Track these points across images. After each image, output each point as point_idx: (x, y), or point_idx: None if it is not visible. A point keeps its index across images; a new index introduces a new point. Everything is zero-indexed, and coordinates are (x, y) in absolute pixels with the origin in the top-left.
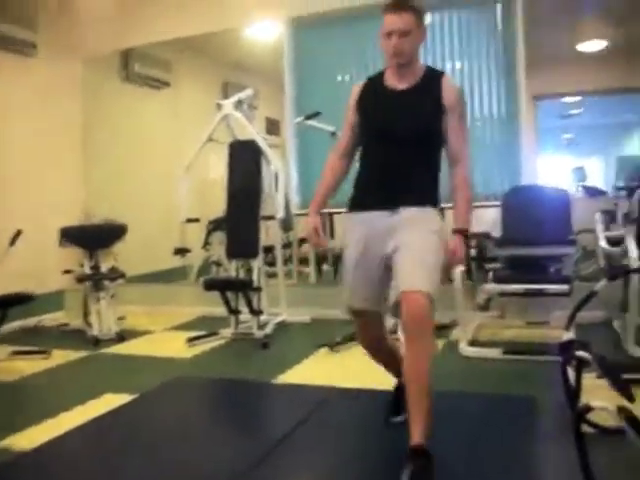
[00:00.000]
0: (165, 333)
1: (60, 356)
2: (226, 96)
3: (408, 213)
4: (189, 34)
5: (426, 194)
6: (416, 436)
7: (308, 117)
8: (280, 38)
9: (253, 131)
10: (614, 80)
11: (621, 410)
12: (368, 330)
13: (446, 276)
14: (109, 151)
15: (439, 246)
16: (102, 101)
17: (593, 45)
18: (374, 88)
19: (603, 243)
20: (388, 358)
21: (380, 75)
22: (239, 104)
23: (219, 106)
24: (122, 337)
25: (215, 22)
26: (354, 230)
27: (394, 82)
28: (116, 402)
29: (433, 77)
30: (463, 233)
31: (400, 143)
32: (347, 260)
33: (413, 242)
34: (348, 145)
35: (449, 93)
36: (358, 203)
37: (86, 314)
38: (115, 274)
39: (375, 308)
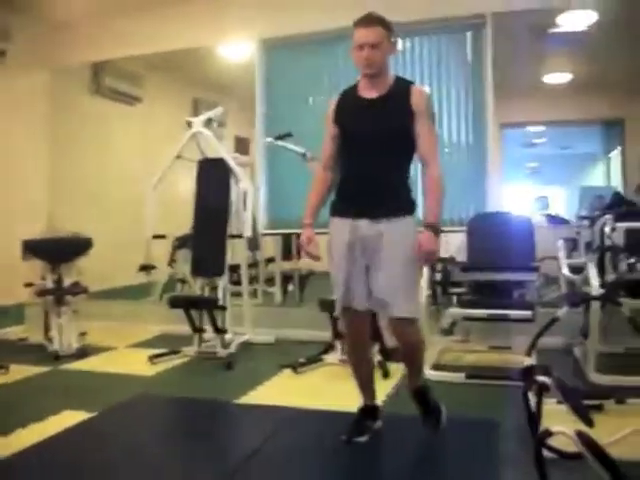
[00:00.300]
0: (127, 350)
1: (18, 371)
2: (196, 113)
3: (390, 223)
4: (161, 50)
5: (403, 202)
6: (417, 383)
7: (279, 137)
8: (252, 58)
9: (222, 149)
10: (577, 112)
11: (580, 435)
12: (358, 330)
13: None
14: (77, 164)
15: (416, 265)
16: (71, 113)
17: (558, 77)
18: (349, 99)
19: (565, 270)
20: (367, 368)
21: (354, 87)
22: (209, 122)
23: (189, 123)
24: (83, 353)
25: (188, 39)
26: (339, 236)
27: (366, 92)
28: (75, 419)
29: (402, 86)
30: (433, 227)
31: (374, 150)
32: (336, 262)
33: (394, 261)
34: (331, 157)
35: (417, 99)
36: (340, 209)
37: (47, 329)
38: (78, 289)
39: (366, 308)
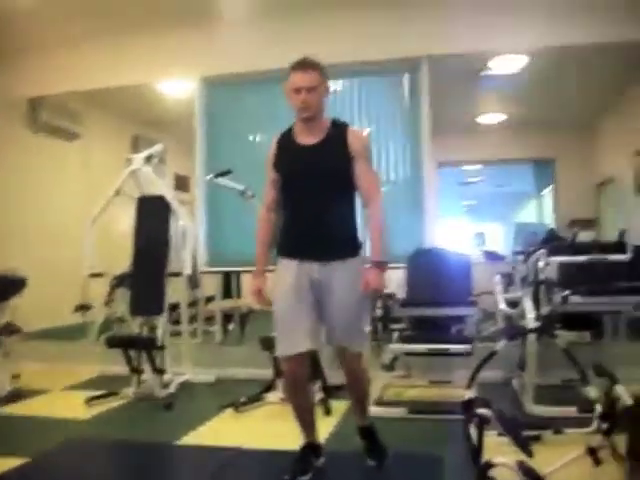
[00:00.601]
0: (63, 393)
1: None
2: (136, 150)
3: (337, 265)
4: (100, 86)
5: (348, 243)
6: (363, 421)
7: (218, 175)
8: (192, 95)
9: (162, 186)
10: (511, 151)
11: (521, 465)
12: (300, 368)
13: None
14: (13, 200)
15: (365, 296)
16: (7, 149)
17: (492, 118)
18: (286, 145)
19: (502, 305)
20: (306, 406)
21: (289, 131)
22: (149, 159)
23: (129, 160)
24: (16, 396)
25: (127, 76)
26: (286, 276)
27: (303, 138)
28: (6, 466)
29: (338, 129)
30: (377, 265)
31: (316, 194)
32: (281, 304)
33: (343, 300)
34: (274, 199)
35: (354, 141)
36: (287, 251)
37: None
38: (11, 329)
39: (312, 347)
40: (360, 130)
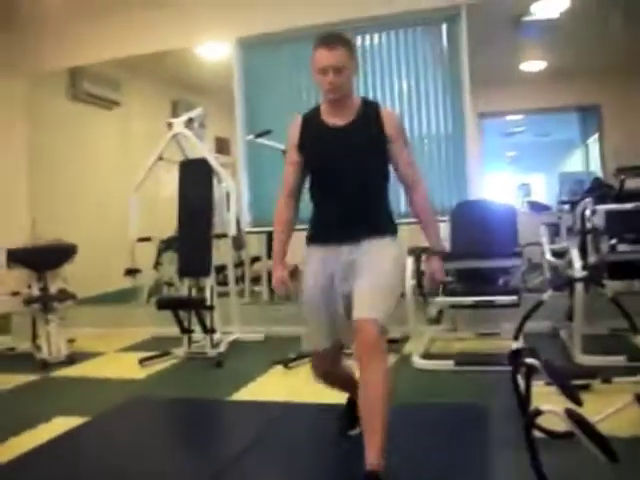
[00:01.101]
0: (117, 355)
1: (6, 381)
2: (176, 115)
3: (368, 246)
4: (138, 53)
5: (383, 225)
6: (371, 459)
7: (259, 135)
8: (229, 57)
9: (204, 149)
10: (554, 99)
11: (569, 412)
12: (328, 366)
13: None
14: (58, 171)
15: (397, 269)
16: (49, 120)
17: (534, 65)
18: (313, 126)
19: (548, 255)
20: (342, 384)
21: (316, 112)
22: (189, 123)
23: (169, 125)
24: (72, 360)
25: (164, 42)
26: (314, 266)
27: (333, 119)
28: (67, 426)
29: (370, 109)
30: (440, 254)
31: (350, 178)
32: (308, 299)
33: (370, 268)
34: (294, 185)
35: (389, 123)
36: (317, 239)
37: (35, 337)
38: (64, 296)
39: (340, 341)
40: (392, 110)
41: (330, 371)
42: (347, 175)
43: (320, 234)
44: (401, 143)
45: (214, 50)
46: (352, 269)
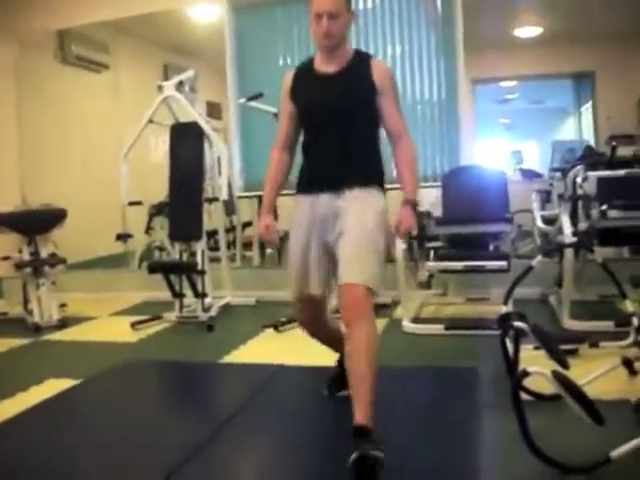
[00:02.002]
0: (109, 319)
1: None
2: (167, 79)
3: (352, 196)
4: (127, 15)
5: (369, 174)
6: (359, 416)
7: (250, 98)
8: (221, 20)
9: (195, 113)
10: (548, 66)
11: (556, 374)
12: (312, 314)
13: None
14: (46, 135)
15: (382, 228)
16: (38, 83)
17: (529, 31)
18: (305, 75)
19: (539, 222)
20: (328, 337)
21: (310, 62)
22: (180, 85)
23: (160, 88)
24: (64, 324)
25: (154, 3)
26: (300, 214)
27: (324, 66)
28: (60, 387)
29: (362, 59)
30: (412, 204)
31: (337, 125)
32: (293, 245)
33: (355, 228)
34: (288, 136)
35: (380, 73)
36: (304, 186)
37: (26, 302)
38: (55, 260)
39: (324, 293)
40: (383, 62)
41: (316, 321)
42: (334, 123)
43: (307, 181)
44: (390, 95)
45: (206, 12)
46: (336, 219)
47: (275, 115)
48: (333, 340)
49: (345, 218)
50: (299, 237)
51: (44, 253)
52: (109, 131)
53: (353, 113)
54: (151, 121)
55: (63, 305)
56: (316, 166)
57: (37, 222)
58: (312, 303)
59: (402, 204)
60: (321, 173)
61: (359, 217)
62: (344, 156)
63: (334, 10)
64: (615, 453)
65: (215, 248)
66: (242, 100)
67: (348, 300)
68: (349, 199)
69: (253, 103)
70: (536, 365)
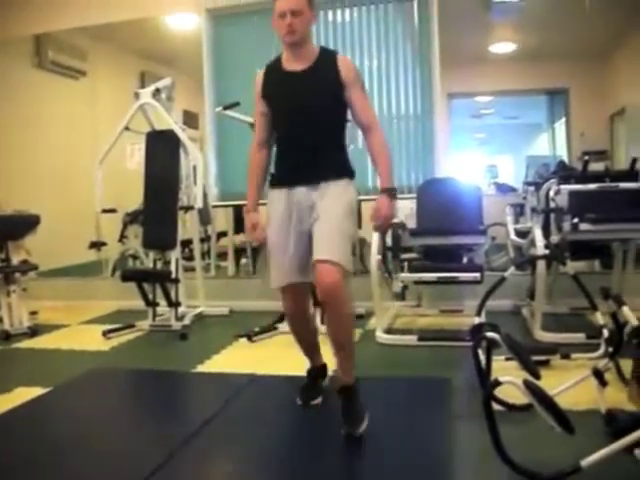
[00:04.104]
0: (80, 327)
1: None
2: (143, 87)
3: (326, 187)
4: (105, 21)
5: (340, 167)
6: (344, 376)
7: (227, 107)
8: (198, 29)
9: (171, 121)
10: (523, 82)
11: (527, 383)
12: (294, 302)
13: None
14: (20, 140)
15: (352, 216)
16: (13, 88)
17: (504, 47)
18: (274, 73)
19: (512, 235)
20: (309, 338)
21: (277, 60)
22: (157, 93)
23: (136, 95)
24: (35, 332)
25: (131, 10)
26: (277, 207)
27: (292, 64)
28: (29, 396)
29: (328, 57)
30: (389, 191)
31: (307, 121)
32: (271, 236)
33: (327, 215)
34: (264, 134)
35: (346, 69)
36: (279, 181)
37: None
38: (27, 267)
39: (305, 279)
40: (348, 58)
41: (299, 311)
42: (303, 119)
43: (280, 177)
44: (357, 88)
45: (183, 21)
46: (312, 209)
47: (251, 125)
48: (311, 344)
49: (319, 207)
50: (277, 227)
51: (15, 260)
52: (84, 138)
53: (322, 109)
54: (127, 128)
55: (34, 313)
56: (289, 161)
57: (9, 228)
58: (294, 291)
59: (380, 193)
60: (295, 168)
61: (331, 205)
62: (316, 151)
63: (296, 8)
64: (585, 462)
65: (190, 258)
66: (219, 108)
67: (322, 275)
68: (323, 190)
69: (229, 112)
70: (508, 375)
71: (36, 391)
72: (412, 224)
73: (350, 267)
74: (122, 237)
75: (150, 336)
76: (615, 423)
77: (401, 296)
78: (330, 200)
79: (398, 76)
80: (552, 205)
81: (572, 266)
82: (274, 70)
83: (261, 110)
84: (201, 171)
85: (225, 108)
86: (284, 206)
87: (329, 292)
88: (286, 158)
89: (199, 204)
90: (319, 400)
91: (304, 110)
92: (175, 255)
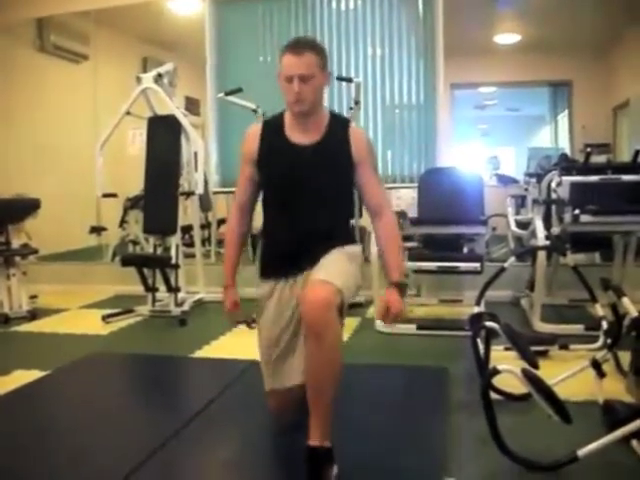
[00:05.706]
0: (80, 311)
1: None
2: (146, 72)
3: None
4: (107, 6)
5: (344, 241)
6: (314, 436)
7: (229, 93)
8: (202, 14)
9: (173, 106)
10: (526, 73)
11: (525, 372)
12: (284, 404)
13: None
14: (22, 123)
15: (357, 262)
16: (15, 71)
17: (508, 38)
18: (274, 140)
19: (513, 226)
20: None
21: (278, 123)
22: (159, 78)
23: (139, 79)
24: (34, 315)
25: None
26: (269, 313)
27: (297, 135)
28: (28, 379)
29: (339, 128)
30: (400, 286)
31: (311, 204)
32: (263, 341)
33: (328, 257)
34: (248, 200)
35: (359, 145)
36: (270, 272)
37: None
38: (27, 251)
39: (294, 382)
40: (361, 130)
41: (288, 410)
42: (307, 200)
43: (273, 266)
44: (369, 167)
45: (187, 6)
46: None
47: (254, 111)
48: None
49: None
50: (269, 332)
51: (16, 243)
52: (86, 122)
53: (330, 192)
54: (128, 113)
55: (33, 296)
56: (285, 248)
57: (10, 212)
58: (289, 395)
59: (387, 287)
60: (291, 257)
61: (331, 254)
62: (315, 238)
63: (306, 72)
64: (582, 452)
65: (190, 244)
66: (221, 94)
67: (313, 288)
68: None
69: (231, 98)
70: (507, 364)
71: (34, 374)
72: (413, 213)
73: (348, 301)
74: (122, 222)
75: (149, 321)
76: (612, 414)
77: None
78: (328, 253)
79: (402, 65)
80: (553, 196)
81: (572, 258)
82: (274, 135)
83: (249, 175)
84: (202, 157)
85: (227, 94)
86: (278, 311)
87: (317, 309)
88: (280, 243)
89: (200, 190)
90: None
91: (308, 190)
92: (175, 241)
